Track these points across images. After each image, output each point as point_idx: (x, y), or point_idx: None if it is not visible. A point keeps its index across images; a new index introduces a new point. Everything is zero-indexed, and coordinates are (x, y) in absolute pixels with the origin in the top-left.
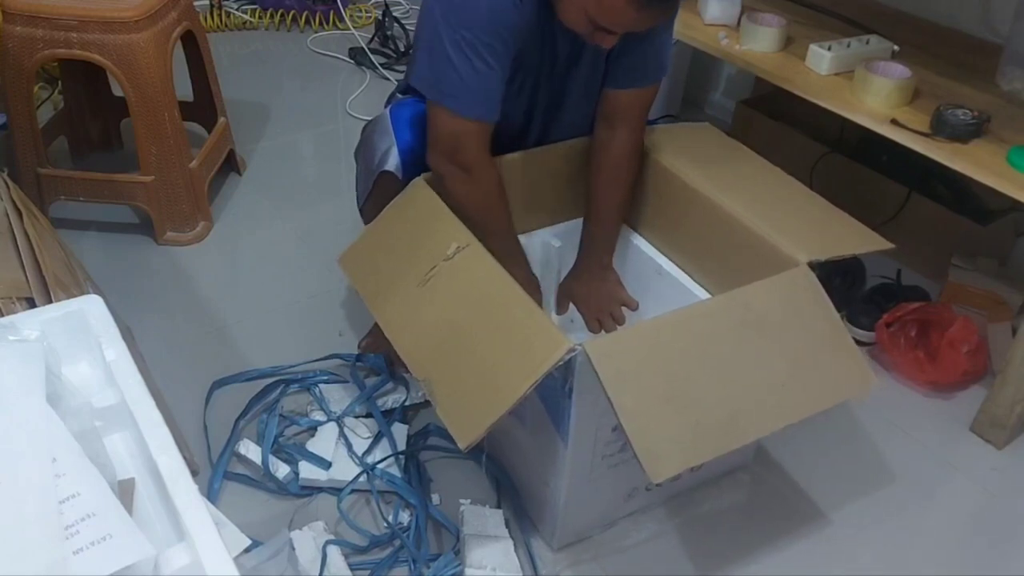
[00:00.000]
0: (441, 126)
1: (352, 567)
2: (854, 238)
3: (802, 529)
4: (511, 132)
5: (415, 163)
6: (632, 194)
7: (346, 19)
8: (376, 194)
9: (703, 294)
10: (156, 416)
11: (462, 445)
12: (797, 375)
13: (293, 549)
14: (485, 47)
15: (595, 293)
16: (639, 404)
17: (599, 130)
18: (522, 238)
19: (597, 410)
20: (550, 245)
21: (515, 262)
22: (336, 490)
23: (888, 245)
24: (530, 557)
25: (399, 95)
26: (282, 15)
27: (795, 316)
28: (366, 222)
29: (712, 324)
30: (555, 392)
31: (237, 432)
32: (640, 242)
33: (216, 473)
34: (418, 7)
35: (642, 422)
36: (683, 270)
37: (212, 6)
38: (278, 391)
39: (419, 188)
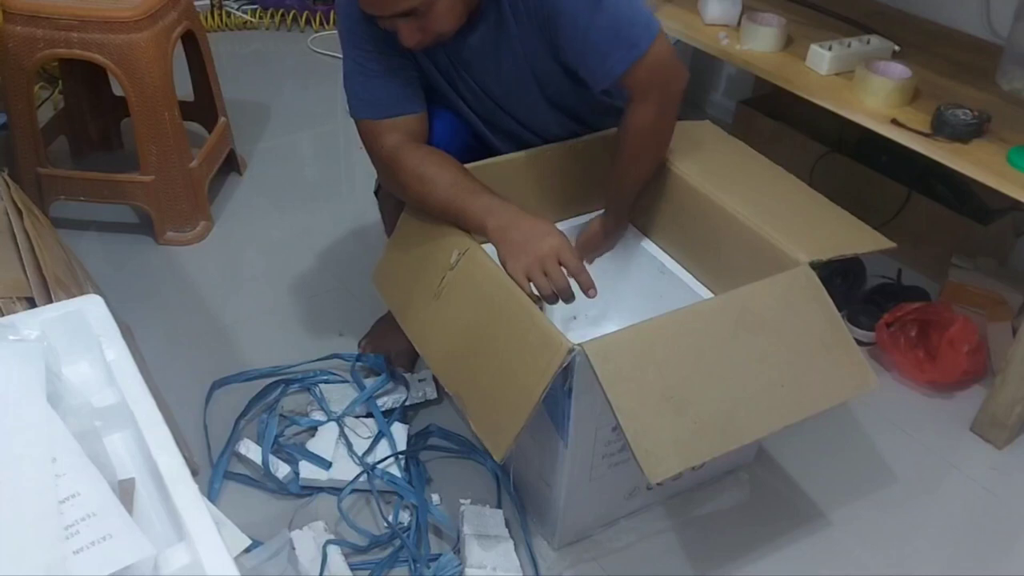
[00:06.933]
0: (360, 131)
1: (352, 567)
2: (856, 237)
3: (802, 529)
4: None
5: None
6: (650, 172)
7: None
8: None
9: (706, 293)
10: (156, 416)
11: (497, 458)
12: (797, 375)
13: (293, 549)
14: (351, 46)
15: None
16: (638, 404)
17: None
18: None
19: (597, 409)
20: None
21: (481, 196)
22: (336, 490)
23: (890, 244)
24: (531, 557)
25: None
26: (282, 15)
27: (795, 316)
28: (381, 207)
29: (712, 324)
30: (555, 392)
31: (237, 432)
32: (643, 241)
33: (216, 473)
34: None
35: (641, 422)
36: (686, 269)
37: (212, 6)
38: (278, 391)
39: None
